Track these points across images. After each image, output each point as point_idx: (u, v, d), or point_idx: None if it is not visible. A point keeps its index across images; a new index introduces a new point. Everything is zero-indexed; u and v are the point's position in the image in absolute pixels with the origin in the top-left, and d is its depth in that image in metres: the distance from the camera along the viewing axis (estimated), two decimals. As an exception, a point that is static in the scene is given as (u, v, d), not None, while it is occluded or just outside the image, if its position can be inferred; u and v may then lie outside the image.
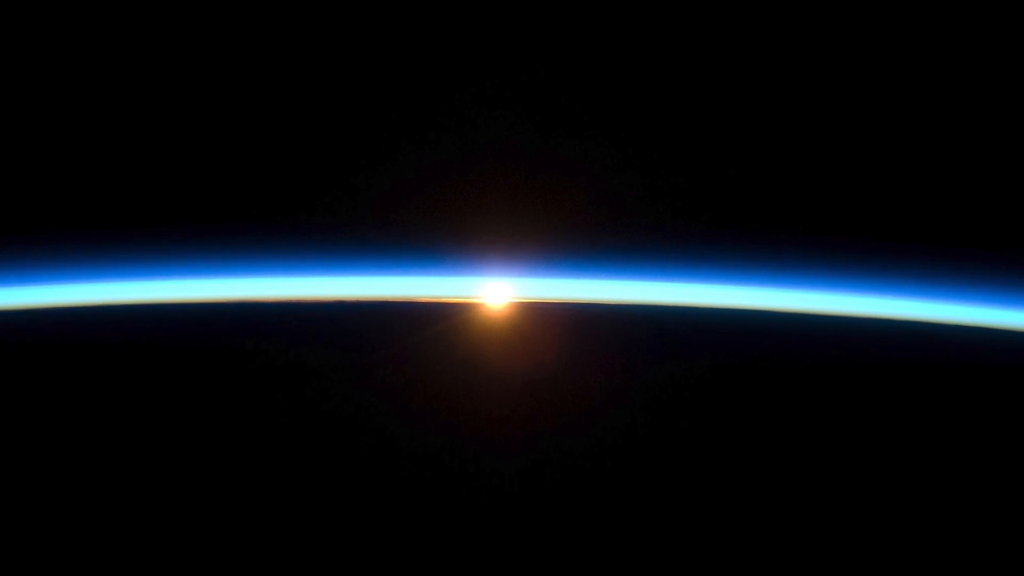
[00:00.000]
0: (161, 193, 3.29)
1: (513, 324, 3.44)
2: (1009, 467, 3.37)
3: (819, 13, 3.09)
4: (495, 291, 3.44)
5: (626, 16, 3.19)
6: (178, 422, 3.34)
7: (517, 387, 3.36)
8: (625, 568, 3.24)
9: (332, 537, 3.23)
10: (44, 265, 3.28)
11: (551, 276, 3.44)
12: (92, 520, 3.18)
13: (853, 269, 3.50)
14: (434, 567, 3.20)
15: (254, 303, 3.39)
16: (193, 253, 3.33)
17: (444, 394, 3.35)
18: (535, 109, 3.29)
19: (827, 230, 3.44)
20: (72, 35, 3.08)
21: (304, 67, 3.22)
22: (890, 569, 3.26)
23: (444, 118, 3.29)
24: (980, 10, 3.07)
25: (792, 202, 3.45)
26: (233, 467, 3.29)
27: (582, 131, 3.33)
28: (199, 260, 3.33)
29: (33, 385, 3.30)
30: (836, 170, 3.43)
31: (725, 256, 3.50)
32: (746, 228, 3.45)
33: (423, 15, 3.16)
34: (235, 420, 3.36)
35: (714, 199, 3.44)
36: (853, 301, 3.55)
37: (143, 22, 3.08)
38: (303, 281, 3.42)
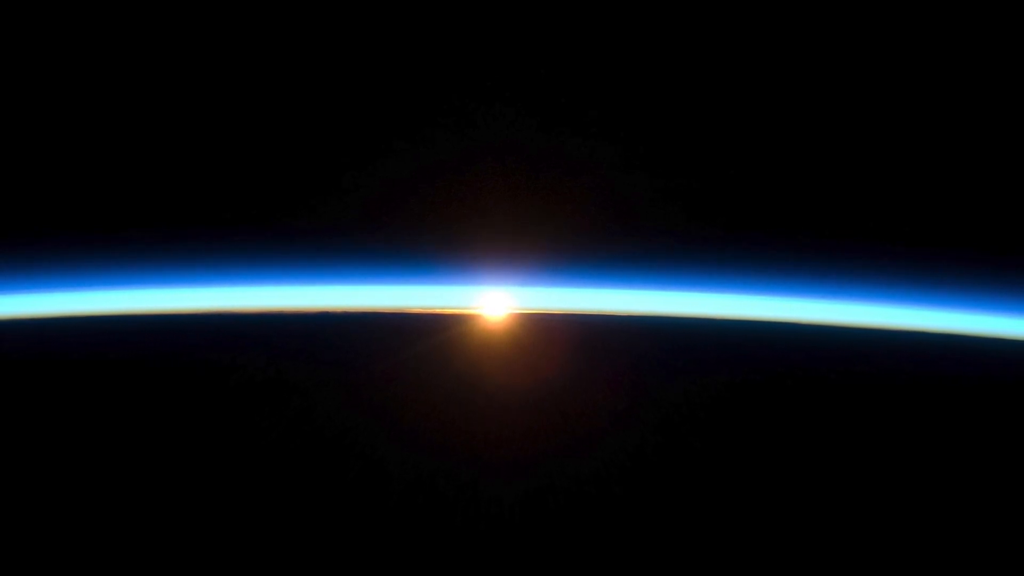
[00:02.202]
0: (126, 194, 3.19)
1: (513, 337, 3.38)
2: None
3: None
4: (493, 301, 3.37)
5: (634, 3, 3.08)
6: (147, 445, 3.22)
7: (518, 406, 3.27)
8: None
9: (317, 571, 3.10)
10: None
11: (554, 285, 3.39)
12: (58, 547, 3.04)
13: (887, 278, 3.44)
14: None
15: (231, 314, 3.33)
16: (163, 260, 3.26)
17: (438, 413, 3.27)
18: (537, 104, 3.20)
19: (857, 235, 3.36)
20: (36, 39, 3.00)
21: (288, 56, 3.10)
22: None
23: (439, 114, 3.20)
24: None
25: (817, 204, 3.36)
26: (209, 494, 3.17)
27: (587, 128, 3.25)
28: (169, 267, 3.27)
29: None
30: (866, 168, 3.32)
31: (743, 263, 3.44)
32: (766, 232, 3.38)
33: (418, 3, 3.06)
34: (210, 442, 3.24)
35: (731, 201, 3.36)
36: (886, 313, 3.49)
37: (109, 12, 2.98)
38: (285, 290, 3.36)
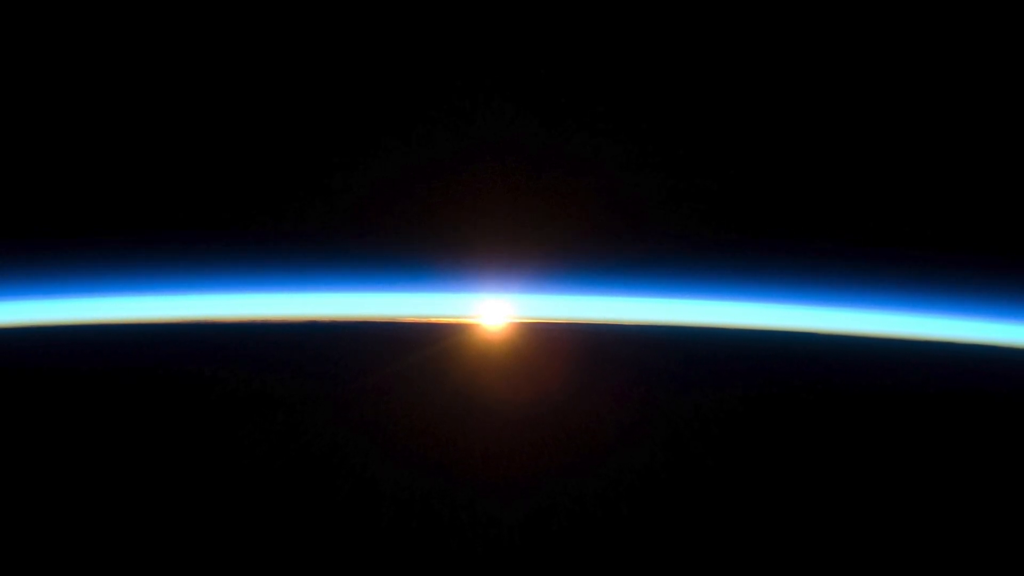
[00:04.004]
0: (97, 196, 3.15)
1: (513, 348, 3.32)
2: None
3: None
4: (492, 310, 3.32)
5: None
6: (122, 464, 3.16)
7: (518, 421, 3.22)
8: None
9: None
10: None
11: (557, 292, 3.34)
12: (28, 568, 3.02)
13: (915, 285, 3.38)
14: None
15: (212, 323, 3.29)
16: (137, 266, 3.22)
17: (433, 429, 3.22)
18: (539, 99, 3.17)
19: (883, 240, 3.30)
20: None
21: (272, 48, 3.06)
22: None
23: (434, 109, 3.16)
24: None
25: (840, 207, 3.30)
26: (190, 516, 3.11)
27: (593, 124, 3.21)
28: (145, 274, 3.23)
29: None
30: (895, 170, 3.26)
31: (760, 269, 3.39)
32: (785, 237, 3.33)
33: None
34: (190, 461, 3.17)
35: (747, 203, 3.31)
36: (913, 322, 3.42)
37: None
38: (270, 298, 3.30)
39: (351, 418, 3.22)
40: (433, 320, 3.30)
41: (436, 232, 3.23)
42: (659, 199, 3.29)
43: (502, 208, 3.21)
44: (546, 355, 3.31)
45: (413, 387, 3.20)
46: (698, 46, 3.12)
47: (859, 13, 3.04)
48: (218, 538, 3.08)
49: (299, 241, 3.26)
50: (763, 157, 3.25)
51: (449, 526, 3.13)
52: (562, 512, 3.17)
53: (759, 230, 3.33)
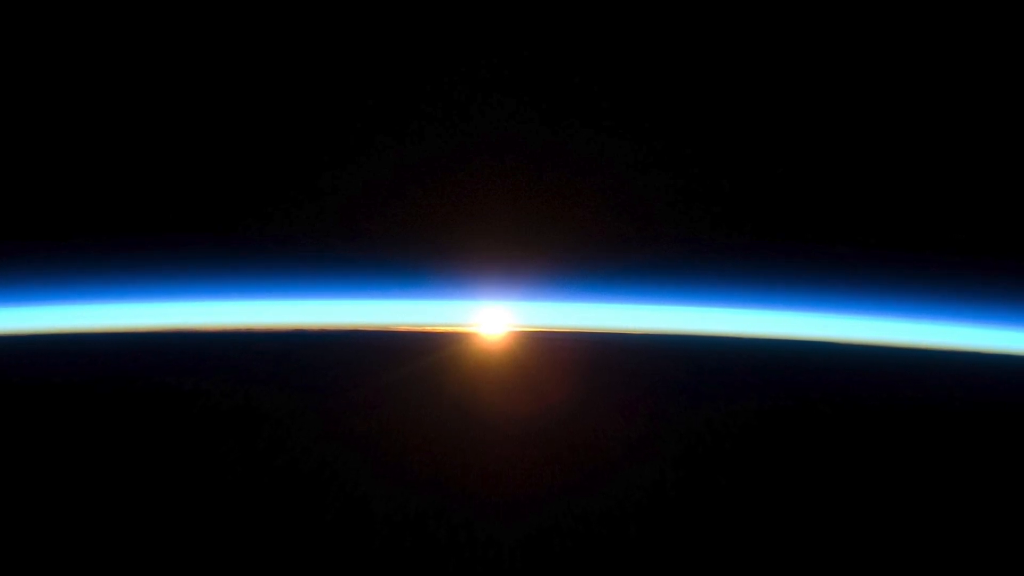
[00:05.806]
0: (72, 196, 3.14)
1: (514, 358, 3.35)
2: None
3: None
4: (492, 318, 3.35)
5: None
6: (97, 483, 3.08)
7: (519, 436, 3.20)
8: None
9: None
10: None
11: (560, 299, 3.37)
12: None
13: (939, 292, 3.33)
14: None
15: (193, 332, 3.28)
16: (116, 271, 3.19)
17: (429, 445, 3.20)
18: (540, 93, 3.13)
19: (907, 245, 3.26)
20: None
21: (256, 37, 2.99)
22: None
23: (429, 105, 3.13)
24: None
25: (860, 209, 3.26)
26: (171, 537, 3.02)
27: (599, 121, 3.18)
28: (123, 279, 3.20)
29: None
30: (917, 168, 3.20)
31: (774, 275, 3.38)
32: (801, 240, 3.31)
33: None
34: (170, 478, 3.10)
35: (761, 205, 3.29)
36: (936, 331, 3.39)
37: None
38: (255, 305, 3.32)
39: (341, 432, 3.21)
40: (429, 329, 3.29)
41: (432, 235, 3.26)
42: (667, 200, 3.28)
43: (502, 210, 3.21)
44: (548, 366, 3.34)
45: (407, 400, 3.23)
46: (708, 39, 3.06)
47: (876, 13, 2.98)
48: (200, 560, 3.00)
49: (286, 245, 3.27)
50: (777, 155, 3.22)
51: (446, 547, 3.07)
52: (566, 532, 3.12)
53: (773, 233, 3.33)
